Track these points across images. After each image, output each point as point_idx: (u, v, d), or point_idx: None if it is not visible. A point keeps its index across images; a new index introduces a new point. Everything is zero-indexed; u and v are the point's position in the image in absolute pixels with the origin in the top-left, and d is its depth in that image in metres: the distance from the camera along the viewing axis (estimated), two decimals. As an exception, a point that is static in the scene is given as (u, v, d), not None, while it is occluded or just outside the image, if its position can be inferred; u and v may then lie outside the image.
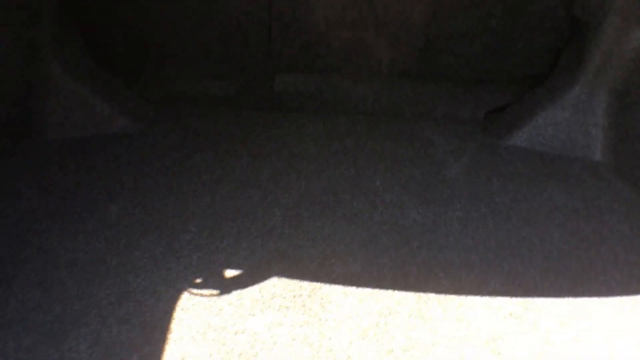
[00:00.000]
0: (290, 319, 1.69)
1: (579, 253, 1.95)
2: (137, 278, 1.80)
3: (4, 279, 1.77)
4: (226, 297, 1.75)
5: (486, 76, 2.76)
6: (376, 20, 2.57)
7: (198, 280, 1.80)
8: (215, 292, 1.77)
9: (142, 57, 2.71)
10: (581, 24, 2.40)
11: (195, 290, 1.77)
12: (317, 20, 2.55)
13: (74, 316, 1.66)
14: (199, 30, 2.56)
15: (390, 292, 1.79)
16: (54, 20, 2.37)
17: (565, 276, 1.86)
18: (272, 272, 1.85)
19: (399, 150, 2.48)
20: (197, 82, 2.75)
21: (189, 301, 1.74)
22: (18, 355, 1.54)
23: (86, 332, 1.61)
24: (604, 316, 1.72)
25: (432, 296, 1.77)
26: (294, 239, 1.98)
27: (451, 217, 2.10)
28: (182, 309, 1.71)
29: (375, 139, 2.56)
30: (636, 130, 2.29)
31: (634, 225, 2.07)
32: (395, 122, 2.68)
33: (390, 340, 1.63)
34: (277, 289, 1.79)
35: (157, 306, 1.71)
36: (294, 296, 1.77)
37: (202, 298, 1.75)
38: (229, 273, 1.84)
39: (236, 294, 1.77)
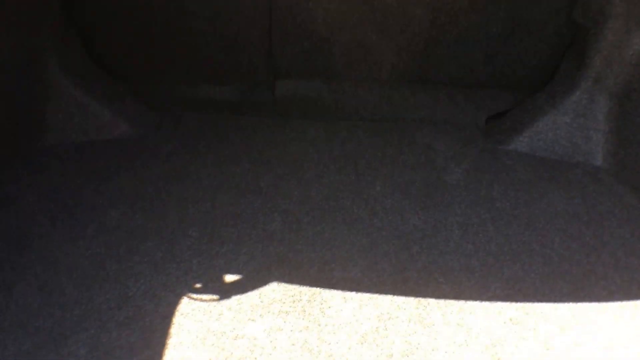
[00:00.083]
0: (290, 324, 1.69)
1: (580, 258, 1.94)
2: (137, 283, 1.80)
3: (4, 283, 1.78)
4: (226, 302, 1.75)
5: (487, 81, 2.76)
6: (377, 25, 2.57)
7: (198, 285, 1.81)
8: (215, 297, 1.77)
9: (143, 62, 2.71)
10: (582, 29, 2.41)
11: (195, 295, 1.77)
12: (317, 25, 2.55)
13: (74, 321, 1.66)
14: (199, 36, 2.57)
15: (390, 297, 1.78)
16: (55, 26, 2.38)
17: (565, 281, 1.85)
18: (271, 277, 1.85)
19: (399, 155, 2.48)
20: (198, 88, 2.75)
21: (188, 306, 1.74)
22: (18, 360, 1.54)
23: (86, 336, 1.62)
24: (605, 321, 1.71)
25: (432, 301, 1.77)
26: (294, 244, 1.98)
27: (451, 222, 2.10)
28: (182, 314, 1.71)
29: (376, 144, 2.56)
30: (637, 135, 2.29)
31: (635, 230, 2.07)
32: (396, 128, 2.68)
33: (390, 345, 1.63)
34: (277, 294, 1.79)
35: (157, 311, 1.71)
36: (294, 301, 1.77)
37: (201, 303, 1.75)
38: (229, 278, 1.84)
39: (236, 299, 1.77)
